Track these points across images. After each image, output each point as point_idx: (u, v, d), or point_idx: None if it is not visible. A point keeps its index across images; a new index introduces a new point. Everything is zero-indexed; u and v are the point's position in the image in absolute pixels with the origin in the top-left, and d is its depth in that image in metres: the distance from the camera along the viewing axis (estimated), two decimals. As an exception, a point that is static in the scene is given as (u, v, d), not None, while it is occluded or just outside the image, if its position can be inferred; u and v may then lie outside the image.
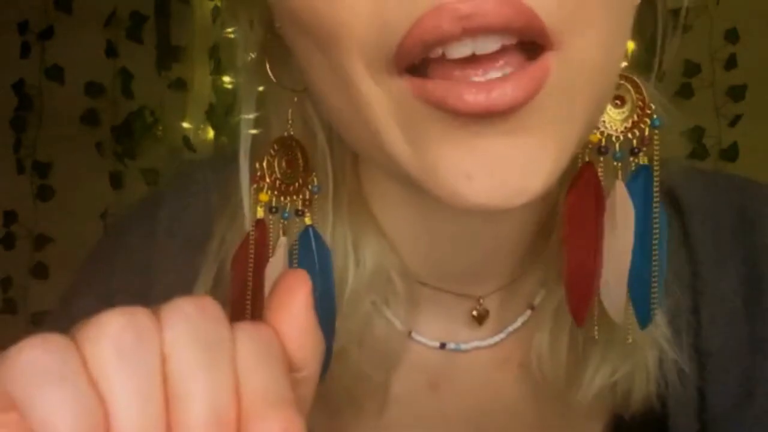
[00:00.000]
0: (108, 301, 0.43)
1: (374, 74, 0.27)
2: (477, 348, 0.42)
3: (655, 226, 0.33)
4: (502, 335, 0.41)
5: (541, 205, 0.38)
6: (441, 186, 0.27)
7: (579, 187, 0.33)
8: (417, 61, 0.26)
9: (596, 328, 0.37)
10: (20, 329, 1.59)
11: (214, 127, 1.52)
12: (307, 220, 0.36)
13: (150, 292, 0.43)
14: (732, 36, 1.52)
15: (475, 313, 0.41)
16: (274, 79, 0.36)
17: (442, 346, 0.41)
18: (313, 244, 0.36)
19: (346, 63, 0.28)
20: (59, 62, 1.58)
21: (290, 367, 0.25)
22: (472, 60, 0.26)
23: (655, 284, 0.34)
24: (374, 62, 0.27)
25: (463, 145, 0.27)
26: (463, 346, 0.41)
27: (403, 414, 0.42)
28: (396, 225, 0.39)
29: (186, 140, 1.54)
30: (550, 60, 0.26)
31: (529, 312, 0.41)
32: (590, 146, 0.33)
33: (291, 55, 0.32)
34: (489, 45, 0.26)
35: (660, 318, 0.37)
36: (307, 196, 0.36)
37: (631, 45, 0.35)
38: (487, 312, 0.41)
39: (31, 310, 1.60)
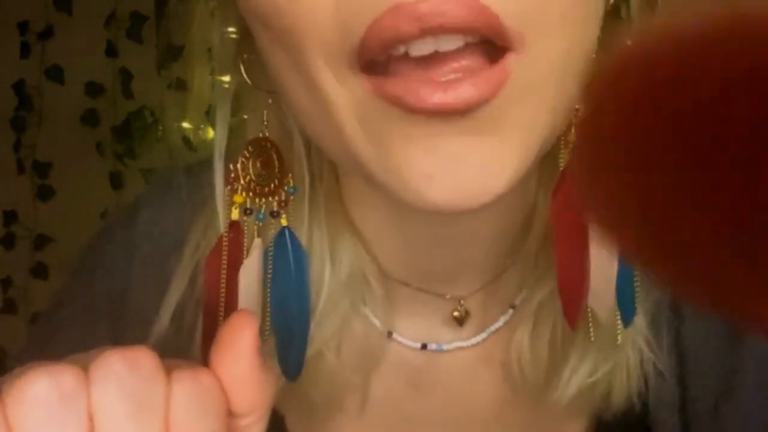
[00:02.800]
0: (90, 308, 0.44)
1: (336, 72, 0.27)
2: (459, 348, 0.41)
3: None
4: (483, 335, 0.41)
5: (518, 205, 0.38)
6: (403, 187, 0.27)
7: (563, 189, 0.33)
8: (378, 58, 0.26)
9: (591, 330, 0.37)
10: (20, 329, 1.59)
11: (214, 127, 1.51)
12: (283, 222, 0.36)
13: (127, 298, 0.43)
14: (732, 36, 1.52)
15: (456, 313, 0.41)
16: (248, 80, 0.36)
17: (424, 346, 0.41)
18: (289, 245, 0.35)
19: (308, 60, 0.28)
20: (59, 62, 1.58)
21: (234, 413, 0.25)
22: (435, 57, 0.26)
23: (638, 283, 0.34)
24: (336, 60, 0.27)
25: (423, 145, 0.27)
26: (445, 347, 0.41)
27: (384, 415, 0.42)
28: (374, 226, 0.39)
29: (186, 140, 1.54)
30: (510, 62, 0.26)
31: (510, 311, 0.41)
32: (570, 147, 0.33)
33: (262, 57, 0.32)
34: (451, 43, 0.26)
35: (640, 319, 0.37)
36: (283, 198, 0.36)
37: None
38: (468, 312, 0.41)
39: (31, 310, 1.60)
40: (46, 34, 1.58)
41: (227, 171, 0.36)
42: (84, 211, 1.55)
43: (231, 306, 0.35)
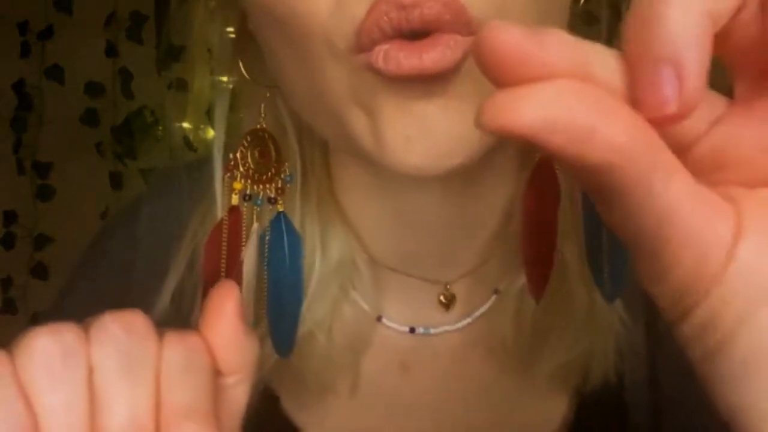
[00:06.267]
0: (95, 300, 0.46)
1: (333, 54, 0.30)
2: (446, 332, 0.43)
3: None
4: (469, 320, 0.43)
5: (503, 190, 0.41)
6: (386, 152, 0.30)
7: (536, 181, 0.36)
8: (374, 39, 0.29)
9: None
10: (20, 329, 1.59)
11: (214, 126, 1.51)
12: (280, 207, 0.38)
13: (131, 290, 0.45)
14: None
15: (442, 298, 0.43)
16: (247, 76, 0.38)
17: (412, 330, 0.43)
18: (284, 229, 0.38)
19: (308, 45, 0.30)
20: (59, 62, 1.58)
21: (221, 373, 0.28)
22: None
23: (615, 262, 0.36)
24: (333, 43, 0.29)
25: (404, 110, 0.29)
26: (433, 330, 0.43)
27: (374, 395, 0.44)
28: (363, 214, 0.42)
29: (186, 140, 1.54)
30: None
31: (495, 297, 0.43)
32: None
33: (262, 52, 0.35)
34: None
35: (617, 299, 0.40)
36: (280, 185, 0.38)
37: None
38: (454, 297, 0.43)
39: (31, 310, 1.60)
40: (46, 34, 1.58)
41: (227, 160, 0.38)
42: (84, 211, 1.55)
43: None
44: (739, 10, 0.19)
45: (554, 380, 0.42)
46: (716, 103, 0.21)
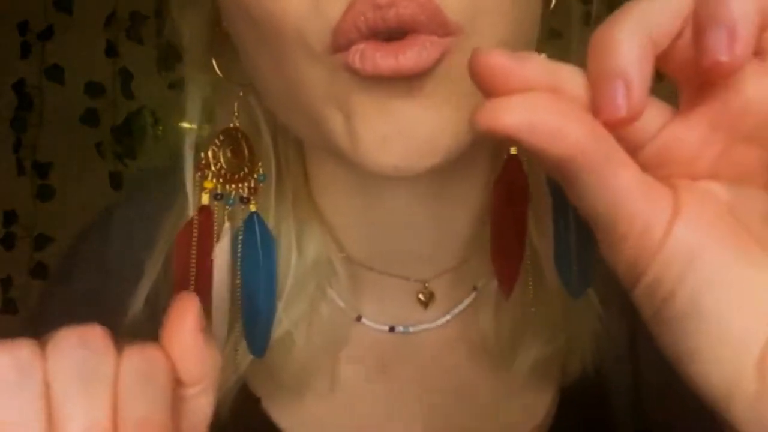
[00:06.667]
0: (70, 308, 0.46)
1: (309, 54, 0.30)
2: (425, 330, 0.44)
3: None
4: (448, 317, 0.43)
5: (479, 189, 0.41)
6: (361, 152, 0.30)
7: (505, 177, 0.37)
8: (350, 39, 0.29)
9: (533, 303, 0.41)
10: (20, 329, 1.59)
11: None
12: (252, 207, 0.38)
13: (104, 293, 0.45)
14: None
15: (421, 296, 0.43)
16: (220, 74, 0.39)
17: (392, 329, 0.44)
18: (257, 229, 0.38)
19: (287, 51, 0.30)
20: (59, 62, 1.58)
21: (182, 384, 0.28)
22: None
23: (583, 260, 0.37)
24: (310, 44, 0.30)
25: (381, 109, 0.30)
26: (412, 329, 0.44)
27: (354, 395, 0.44)
28: (340, 213, 0.42)
29: (186, 140, 1.54)
30: (449, 41, 0.30)
31: (474, 294, 0.43)
32: None
33: (237, 50, 0.35)
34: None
35: (591, 294, 0.41)
36: (253, 185, 0.39)
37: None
38: (432, 295, 0.43)
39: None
40: (46, 34, 1.58)
41: (198, 159, 0.38)
42: (84, 211, 1.54)
43: (203, 287, 0.37)
44: (677, 36, 0.24)
45: (535, 374, 0.43)
46: (664, 110, 0.25)
